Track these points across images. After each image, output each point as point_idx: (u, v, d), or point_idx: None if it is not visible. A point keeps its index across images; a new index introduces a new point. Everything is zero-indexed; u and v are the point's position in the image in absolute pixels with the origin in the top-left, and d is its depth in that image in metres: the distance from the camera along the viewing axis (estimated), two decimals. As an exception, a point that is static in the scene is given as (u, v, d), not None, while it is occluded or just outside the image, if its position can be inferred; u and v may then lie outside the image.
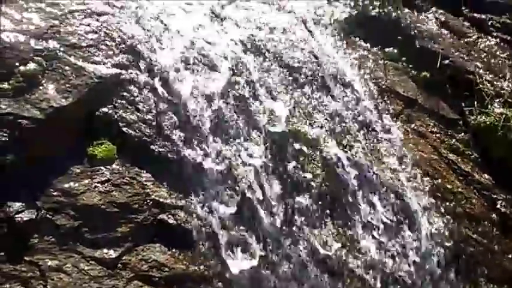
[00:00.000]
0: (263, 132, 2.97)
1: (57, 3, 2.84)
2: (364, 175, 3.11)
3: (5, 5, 2.67)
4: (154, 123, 2.75)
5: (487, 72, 3.87)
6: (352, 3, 4.11)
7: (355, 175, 3.07)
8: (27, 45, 2.56)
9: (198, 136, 2.79)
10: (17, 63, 2.48)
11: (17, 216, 2.25)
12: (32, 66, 2.51)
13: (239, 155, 2.84)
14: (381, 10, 4.02)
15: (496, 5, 4.28)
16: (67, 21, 2.79)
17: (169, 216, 2.57)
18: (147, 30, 3.07)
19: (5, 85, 2.41)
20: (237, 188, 2.76)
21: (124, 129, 2.67)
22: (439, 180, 3.35)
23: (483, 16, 4.25)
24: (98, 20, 2.91)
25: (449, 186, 3.37)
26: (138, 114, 2.74)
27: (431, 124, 3.63)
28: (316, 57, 3.60)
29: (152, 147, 2.70)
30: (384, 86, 3.62)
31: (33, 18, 2.70)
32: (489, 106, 3.70)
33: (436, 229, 3.18)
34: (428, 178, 3.29)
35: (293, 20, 3.90)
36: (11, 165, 2.31)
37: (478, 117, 3.71)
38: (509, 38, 4.20)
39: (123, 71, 2.81)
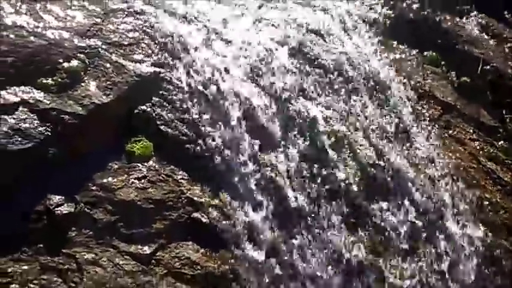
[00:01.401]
0: (299, 134, 2.95)
1: (100, 1, 2.90)
2: (399, 180, 3.05)
3: (50, 3, 2.74)
4: (191, 121, 2.77)
5: (530, 79, 3.76)
6: (390, 5, 4.04)
7: (390, 179, 3.02)
8: (71, 43, 2.63)
9: (234, 136, 2.79)
10: (61, 60, 2.55)
11: (56, 209, 2.30)
12: (75, 63, 2.57)
13: (275, 157, 2.83)
14: (420, 13, 3.94)
15: (540, 10, 4.15)
16: (109, 20, 2.84)
17: (202, 214, 2.58)
18: (187, 30, 3.10)
19: (49, 81, 2.47)
20: (270, 189, 2.75)
21: (161, 127, 2.71)
22: (477, 190, 3.25)
23: (527, 21, 4.13)
24: (138, 19, 2.96)
25: (487, 196, 3.27)
26: (176, 112, 2.76)
27: (470, 131, 3.54)
28: (353, 60, 3.55)
29: (188, 145, 2.72)
30: (422, 91, 3.55)
31: (77, 16, 2.77)
32: (532, 114, 3.59)
33: (472, 239, 3.09)
34: (466, 187, 3.20)
35: (331, 21, 3.87)
36: (53, 158, 2.37)
37: (520, 125, 3.60)
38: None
39: (162, 70, 2.84)
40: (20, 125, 2.31)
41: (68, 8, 2.77)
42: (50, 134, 2.37)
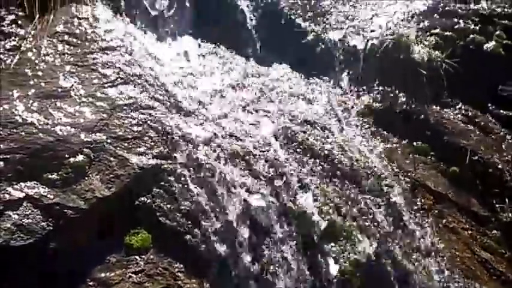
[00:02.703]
0: (295, 225, 3.01)
1: (107, 97, 3.06)
2: (397, 273, 3.06)
3: (60, 100, 2.90)
4: (189, 213, 2.83)
5: (517, 169, 3.90)
6: (380, 97, 4.27)
7: (388, 272, 3.04)
8: (77, 138, 2.75)
9: (230, 229, 2.84)
10: (67, 155, 2.65)
11: (53, 306, 2.30)
12: (80, 157, 2.68)
13: (269, 249, 2.86)
14: (408, 105, 4.16)
15: (522, 103, 4.40)
16: (115, 115, 2.99)
17: (199, 311, 2.57)
18: (187, 122, 3.26)
19: (55, 176, 2.56)
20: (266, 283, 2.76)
21: (160, 218, 2.76)
22: (473, 280, 3.26)
23: (510, 113, 4.34)
24: (143, 114, 3.11)
25: None
26: (175, 203, 2.83)
27: (463, 220, 3.61)
28: (346, 150, 3.70)
29: (186, 237, 2.76)
30: (413, 180, 3.66)
31: (85, 111, 2.92)
32: (520, 204, 3.69)
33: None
34: (463, 278, 3.22)
35: (323, 111, 4.07)
36: (53, 253, 2.40)
37: (510, 214, 3.68)
38: (536, 135, 4.25)
39: (163, 161, 2.95)
40: (23, 220, 2.36)
41: (77, 104, 2.92)
42: (51, 228, 2.42)
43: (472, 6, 4.81)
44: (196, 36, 4.09)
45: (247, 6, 4.50)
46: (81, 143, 2.73)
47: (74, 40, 3.30)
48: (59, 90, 2.95)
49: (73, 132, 2.76)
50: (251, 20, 4.53)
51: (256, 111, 3.75)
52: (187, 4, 4.14)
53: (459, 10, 4.78)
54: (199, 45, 4.09)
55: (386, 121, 4.07)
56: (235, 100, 3.77)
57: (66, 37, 3.30)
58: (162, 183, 2.88)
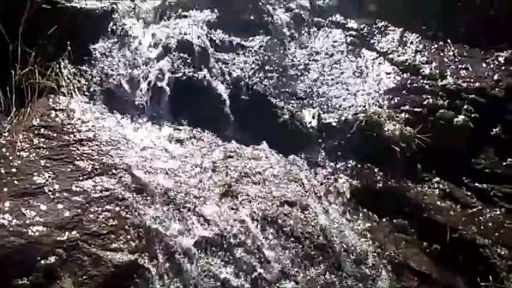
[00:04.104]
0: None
1: (82, 191, 3.02)
2: None
3: (33, 197, 2.84)
4: (167, 312, 2.72)
5: (497, 245, 3.89)
6: (357, 175, 4.31)
7: None
8: (49, 238, 2.67)
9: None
10: (39, 258, 2.56)
11: None
12: (52, 259, 2.59)
13: None
14: (385, 183, 4.21)
15: (495, 175, 4.48)
16: (90, 209, 2.93)
17: None
18: (164, 212, 3.21)
19: (25, 281, 2.46)
20: None
21: (136, 321, 2.64)
22: None
23: (485, 186, 4.41)
24: (118, 205, 3.06)
25: None
26: (151, 302, 2.72)
27: (451, 302, 3.55)
28: (326, 232, 3.67)
29: (164, 338, 2.63)
30: (396, 260, 3.62)
31: (59, 208, 2.86)
32: (505, 281, 3.64)
33: None
34: None
35: (302, 191, 4.07)
36: None
37: (496, 293, 3.63)
38: (514, 208, 4.27)
39: (139, 257, 2.86)
40: (-12, 335, 2.22)
41: (51, 201, 2.87)
42: None
43: (439, 82, 5.03)
44: (174, 121, 4.15)
45: (224, 89, 4.62)
46: (53, 243, 2.65)
47: (50, 133, 3.31)
48: (33, 187, 2.90)
49: (45, 232, 2.68)
50: (228, 101, 4.63)
51: (236, 195, 3.73)
52: (164, 90, 4.23)
53: (427, 86, 4.99)
54: (177, 130, 4.13)
55: (365, 199, 4.08)
56: (214, 183, 3.75)
57: (42, 130, 3.30)
58: (138, 280, 2.78)
